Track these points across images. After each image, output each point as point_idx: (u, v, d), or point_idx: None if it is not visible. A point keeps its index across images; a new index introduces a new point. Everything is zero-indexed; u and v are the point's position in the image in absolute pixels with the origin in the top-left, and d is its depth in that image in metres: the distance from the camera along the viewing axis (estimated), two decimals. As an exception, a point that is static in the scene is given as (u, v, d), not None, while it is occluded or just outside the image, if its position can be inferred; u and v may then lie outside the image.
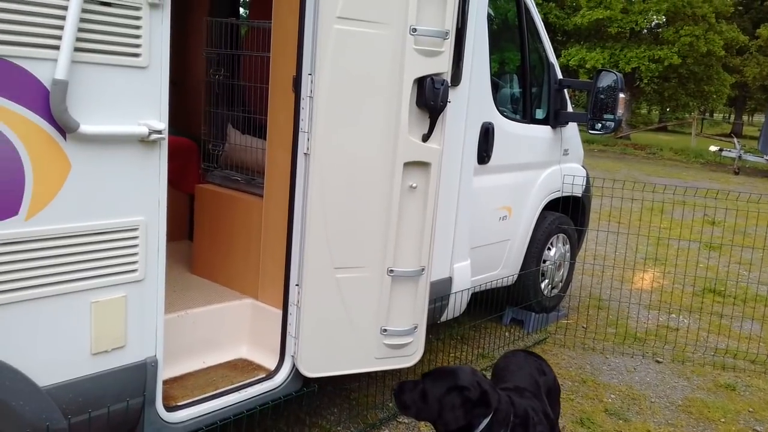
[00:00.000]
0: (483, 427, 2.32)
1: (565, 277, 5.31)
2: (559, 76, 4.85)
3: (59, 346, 2.10)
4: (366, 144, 2.80)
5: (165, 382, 2.55)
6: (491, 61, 4.04)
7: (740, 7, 31.59)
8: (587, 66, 25.11)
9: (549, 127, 4.81)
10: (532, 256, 4.79)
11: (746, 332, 5.25)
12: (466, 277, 3.97)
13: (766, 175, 17.87)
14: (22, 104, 1.91)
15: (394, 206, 2.88)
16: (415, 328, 3.12)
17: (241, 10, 4.85)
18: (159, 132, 2.19)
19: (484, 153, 3.96)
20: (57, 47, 1.93)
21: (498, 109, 4.15)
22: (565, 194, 5.01)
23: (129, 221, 2.21)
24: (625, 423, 3.65)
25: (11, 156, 1.91)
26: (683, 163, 20.41)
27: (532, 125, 4.66)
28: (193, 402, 2.64)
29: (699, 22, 24.78)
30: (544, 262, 4.99)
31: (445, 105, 2.87)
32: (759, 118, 45.48)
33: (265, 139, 3.21)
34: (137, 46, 2.11)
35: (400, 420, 3.48)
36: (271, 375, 2.94)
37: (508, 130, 4.25)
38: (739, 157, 18.43)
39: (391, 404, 3.55)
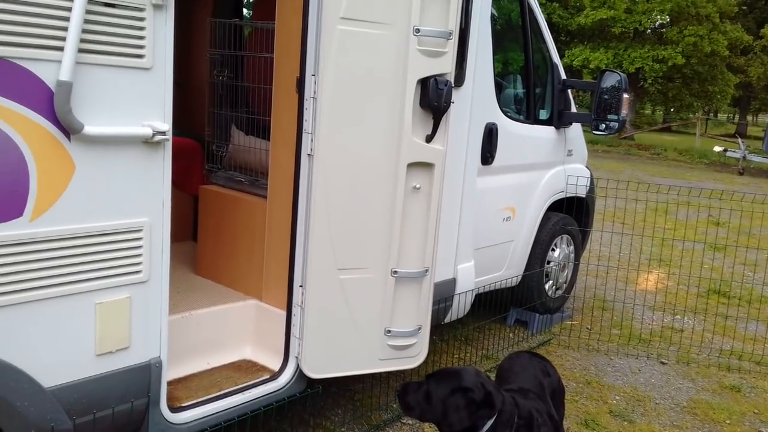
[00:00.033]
0: (487, 429, 2.32)
1: (569, 278, 5.30)
2: (563, 76, 4.83)
3: (64, 347, 2.10)
4: (369, 145, 2.79)
5: (169, 383, 2.55)
6: (495, 61, 4.03)
7: (744, 7, 31.47)
8: (591, 66, 25.04)
9: (553, 127, 4.79)
10: (536, 257, 4.78)
11: (751, 333, 5.23)
12: (470, 278, 3.96)
13: (771, 176, 17.84)
14: (27, 105, 1.91)
15: (397, 207, 2.88)
16: (419, 329, 3.12)
17: (245, 11, 4.86)
18: (163, 133, 2.19)
19: (487, 154, 3.96)
20: (61, 48, 1.93)
21: (502, 110, 4.14)
22: (569, 195, 5.00)
23: (133, 222, 2.21)
24: (630, 424, 3.64)
25: (16, 157, 1.91)
26: (687, 164, 20.37)
27: (535, 126, 4.65)
28: (197, 403, 2.64)
29: (703, 22, 24.69)
30: (548, 263, 4.98)
31: (448, 106, 2.87)
32: (763, 118, 45.46)
33: (268, 140, 3.21)
34: (141, 47, 2.12)
35: (404, 421, 3.48)
36: (275, 376, 2.94)
37: (511, 130, 4.24)
38: (744, 157, 18.38)
39: (395, 405, 3.55)
